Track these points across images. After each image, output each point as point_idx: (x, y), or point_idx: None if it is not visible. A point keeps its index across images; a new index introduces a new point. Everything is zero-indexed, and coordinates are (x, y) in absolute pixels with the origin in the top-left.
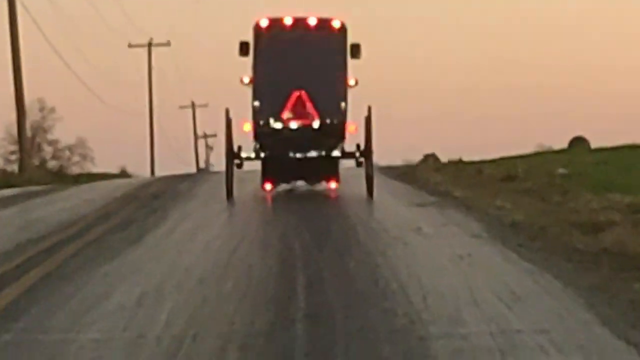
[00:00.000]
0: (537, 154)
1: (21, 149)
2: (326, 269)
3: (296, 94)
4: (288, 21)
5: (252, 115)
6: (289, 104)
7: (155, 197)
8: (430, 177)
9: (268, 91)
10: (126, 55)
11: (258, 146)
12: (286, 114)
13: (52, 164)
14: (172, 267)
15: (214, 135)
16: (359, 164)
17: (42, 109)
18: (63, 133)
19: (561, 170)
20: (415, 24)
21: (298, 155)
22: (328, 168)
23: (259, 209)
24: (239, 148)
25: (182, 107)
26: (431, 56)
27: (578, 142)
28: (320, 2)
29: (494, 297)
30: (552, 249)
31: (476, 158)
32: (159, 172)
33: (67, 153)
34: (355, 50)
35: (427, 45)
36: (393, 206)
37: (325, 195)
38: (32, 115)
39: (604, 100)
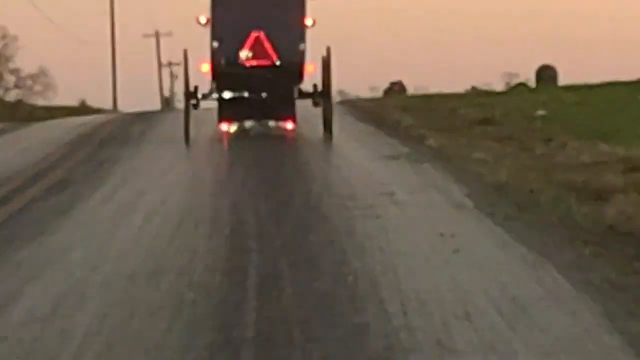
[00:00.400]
0: (511, 90)
1: None
2: (283, 256)
3: (255, 34)
4: None
5: (210, 55)
6: (248, 44)
7: (105, 144)
8: (401, 118)
9: (226, 31)
10: None
11: (215, 86)
12: (244, 54)
13: (13, 94)
14: (100, 255)
15: (179, 64)
16: (315, 104)
17: (3, 37)
18: (25, 62)
19: (540, 112)
20: None
21: (255, 95)
22: (285, 108)
23: (212, 163)
24: (196, 88)
25: (146, 36)
26: None
27: (546, 73)
28: None
29: (490, 306)
30: (549, 224)
31: (443, 89)
32: (122, 104)
33: (29, 82)
34: None
35: None
36: (361, 159)
37: (282, 142)
38: None
39: (573, 22)
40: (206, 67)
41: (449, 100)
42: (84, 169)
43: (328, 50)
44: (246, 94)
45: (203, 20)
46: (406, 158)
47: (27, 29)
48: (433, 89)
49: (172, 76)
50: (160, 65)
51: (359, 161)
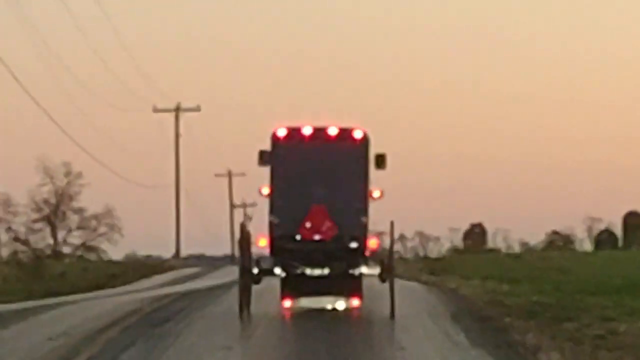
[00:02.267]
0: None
1: None
2: None
3: (315, 208)
4: (307, 131)
5: (268, 230)
6: (308, 219)
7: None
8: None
9: (286, 205)
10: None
11: (274, 262)
12: (305, 230)
13: (77, 234)
14: None
15: (254, 205)
16: (383, 280)
17: (67, 174)
18: (89, 201)
19: None
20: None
21: (316, 272)
22: (350, 284)
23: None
24: (258, 262)
25: (218, 176)
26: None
27: (633, 220)
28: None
29: None
30: None
31: (524, 234)
32: (186, 250)
33: (94, 223)
34: (380, 160)
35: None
36: None
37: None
38: (57, 181)
39: None
40: (264, 242)
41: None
42: None
43: (392, 225)
44: (308, 270)
45: (266, 191)
46: None
47: (93, 166)
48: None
49: (246, 217)
50: (232, 205)
51: None
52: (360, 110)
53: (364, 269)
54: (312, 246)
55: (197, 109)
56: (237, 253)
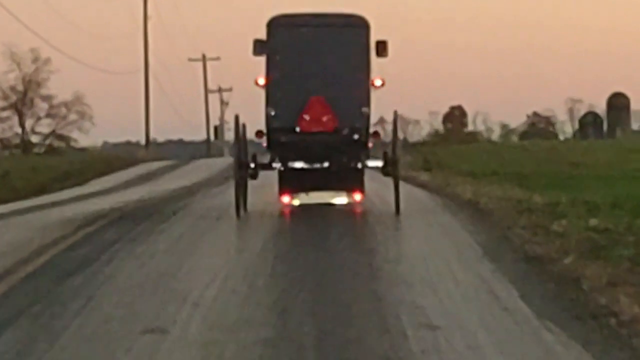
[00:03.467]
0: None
1: None
2: None
3: (314, 99)
4: (305, 18)
5: (265, 122)
6: (307, 111)
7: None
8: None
9: (283, 96)
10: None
11: (273, 156)
12: (303, 122)
13: (46, 122)
14: None
15: (230, 90)
16: (386, 174)
17: (35, 60)
18: (58, 89)
19: None
20: None
21: (316, 165)
22: (351, 178)
23: (266, 250)
24: (254, 156)
25: (191, 60)
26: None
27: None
28: None
29: None
30: None
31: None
32: (157, 135)
33: (64, 110)
34: (382, 48)
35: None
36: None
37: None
38: (25, 67)
39: None
40: (261, 134)
41: None
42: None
43: (395, 115)
44: (306, 164)
45: (262, 81)
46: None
47: (61, 57)
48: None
49: (222, 103)
50: (207, 91)
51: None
52: None
53: (366, 162)
54: (311, 139)
55: None
56: (212, 138)
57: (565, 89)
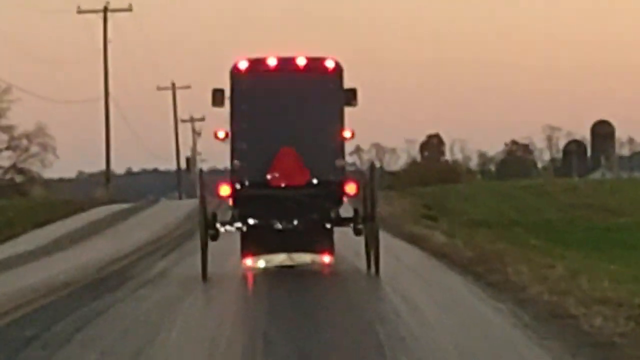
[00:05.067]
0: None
1: None
2: None
3: (284, 151)
4: (272, 62)
5: (230, 176)
6: (276, 164)
7: None
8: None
9: (250, 148)
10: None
11: (237, 213)
12: (272, 176)
13: (6, 155)
14: None
15: (202, 119)
16: (357, 232)
17: None
18: (20, 118)
19: None
20: None
21: (285, 224)
22: (321, 238)
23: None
24: (214, 215)
25: (160, 89)
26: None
27: (602, 129)
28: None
29: None
30: None
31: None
32: (140, 165)
33: (25, 142)
34: (351, 95)
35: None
36: None
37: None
38: None
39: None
40: (226, 190)
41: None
42: None
43: (372, 166)
44: (275, 222)
45: (222, 135)
46: None
47: (22, 80)
48: (473, 145)
49: (195, 133)
50: (176, 120)
51: None
52: (304, 18)
53: (337, 220)
54: (281, 193)
55: (129, 8)
56: (183, 166)
57: (544, 117)
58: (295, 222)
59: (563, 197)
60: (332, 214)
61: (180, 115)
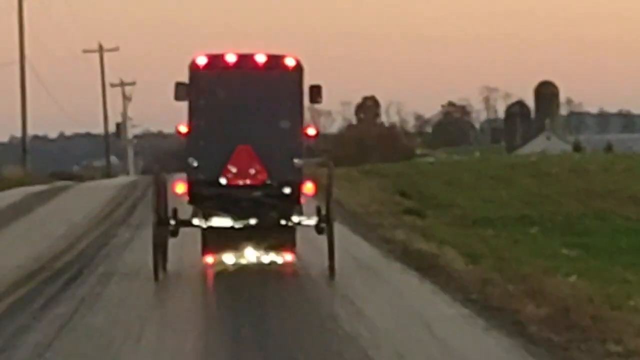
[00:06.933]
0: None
1: None
2: None
3: (241, 149)
4: (231, 58)
5: (187, 174)
6: (233, 162)
7: None
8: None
9: (207, 146)
10: None
11: (195, 211)
12: (229, 174)
13: None
14: None
15: (133, 83)
16: (319, 231)
17: None
18: None
19: None
20: None
21: (243, 222)
22: (281, 237)
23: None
24: (174, 212)
25: (86, 52)
26: None
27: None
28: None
29: None
30: None
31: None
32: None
33: None
34: (315, 93)
35: None
36: None
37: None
38: None
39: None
40: (182, 188)
41: None
42: None
43: (330, 167)
44: (232, 221)
45: (184, 129)
46: None
47: None
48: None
49: (125, 97)
50: (104, 85)
51: None
52: None
53: (298, 219)
54: (238, 193)
55: None
56: (111, 130)
57: (481, 78)
58: (253, 222)
59: (573, 181)
60: (291, 213)
61: (110, 79)
